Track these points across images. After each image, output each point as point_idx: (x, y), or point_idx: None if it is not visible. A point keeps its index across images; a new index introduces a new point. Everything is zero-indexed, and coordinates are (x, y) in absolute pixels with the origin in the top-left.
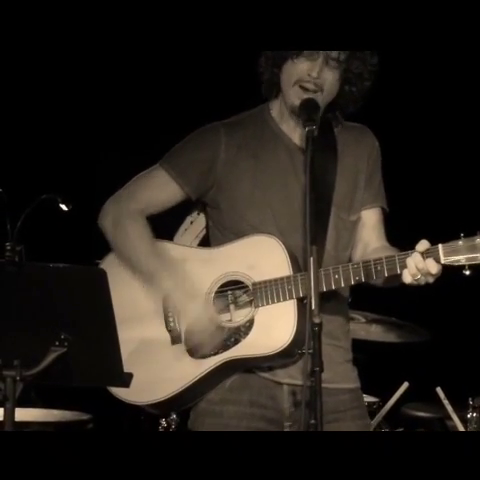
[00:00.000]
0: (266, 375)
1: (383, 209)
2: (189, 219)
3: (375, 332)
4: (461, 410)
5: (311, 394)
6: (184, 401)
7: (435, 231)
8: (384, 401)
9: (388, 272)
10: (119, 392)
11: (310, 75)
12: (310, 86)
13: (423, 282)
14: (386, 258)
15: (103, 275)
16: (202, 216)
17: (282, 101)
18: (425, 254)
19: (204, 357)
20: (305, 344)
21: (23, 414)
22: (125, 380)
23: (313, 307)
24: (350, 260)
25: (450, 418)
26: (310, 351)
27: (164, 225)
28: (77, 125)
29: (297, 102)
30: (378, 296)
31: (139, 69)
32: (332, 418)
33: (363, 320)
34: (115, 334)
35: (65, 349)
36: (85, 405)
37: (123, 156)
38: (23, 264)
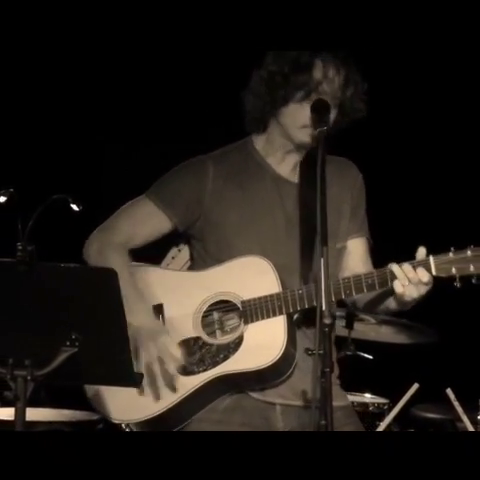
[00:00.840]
0: (258, 396)
1: (368, 240)
2: (171, 254)
3: (385, 333)
4: (471, 411)
5: (321, 394)
6: (173, 421)
7: (426, 245)
8: (394, 402)
9: (379, 285)
10: (104, 410)
11: None
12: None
13: (415, 293)
14: (377, 272)
15: (114, 275)
16: (184, 251)
17: (268, 135)
18: (416, 264)
19: (193, 374)
20: (295, 363)
21: (33, 414)
22: (136, 379)
23: (323, 308)
24: None
25: (460, 419)
26: (320, 351)
27: (150, 254)
28: (88, 126)
29: (308, 140)
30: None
31: (148, 70)
32: None
33: (373, 321)
34: (126, 333)
35: (76, 349)
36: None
37: (133, 157)
38: (34, 264)
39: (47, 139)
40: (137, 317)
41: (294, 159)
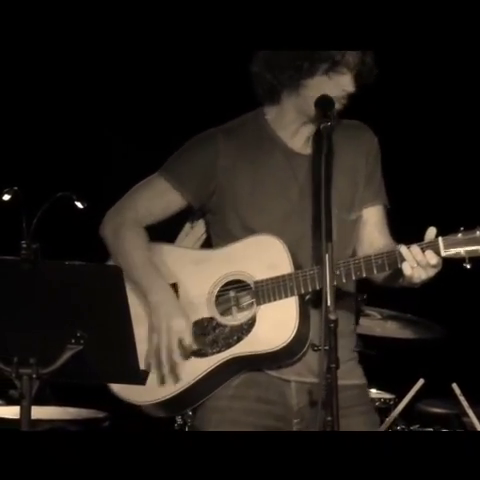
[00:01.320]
0: (274, 373)
1: (385, 206)
2: (189, 225)
3: (391, 329)
4: (477, 406)
5: (327, 390)
6: (188, 401)
7: (436, 224)
8: (400, 398)
9: (389, 267)
10: (121, 392)
11: (345, 90)
12: (345, 102)
13: (424, 275)
14: (387, 253)
15: (119, 273)
16: (202, 221)
17: (282, 107)
18: (424, 246)
19: (207, 355)
20: (309, 341)
21: (39, 412)
22: (141, 377)
23: (329, 303)
24: None
25: (466, 414)
26: (326, 348)
27: (165, 231)
28: (92, 123)
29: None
30: (393, 293)
31: (153, 65)
32: (340, 414)
33: (379, 317)
34: (131, 331)
35: (81, 347)
36: (101, 402)
37: (138, 154)
38: (39, 262)
39: (51, 136)
40: (156, 295)
41: (307, 132)
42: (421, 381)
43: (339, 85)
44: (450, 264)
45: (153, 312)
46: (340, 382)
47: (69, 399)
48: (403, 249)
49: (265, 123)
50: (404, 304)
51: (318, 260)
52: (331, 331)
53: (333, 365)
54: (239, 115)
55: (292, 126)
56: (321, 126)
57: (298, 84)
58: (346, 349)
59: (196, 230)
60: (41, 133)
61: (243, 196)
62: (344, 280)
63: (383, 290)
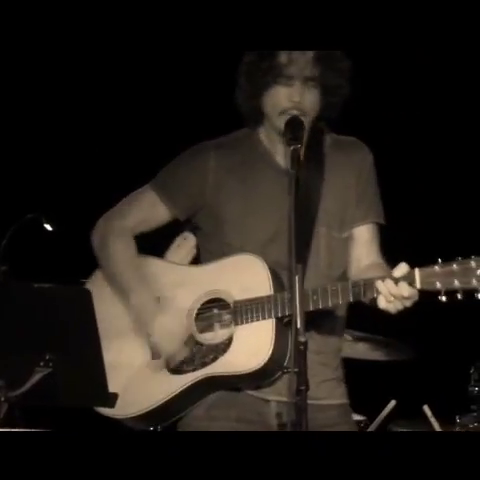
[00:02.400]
0: (253, 393)
1: (376, 224)
2: (182, 235)
3: (362, 350)
4: (448, 428)
5: (297, 412)
6: (165, 415)
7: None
8: (371, 419)
9: (365, 296)
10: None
11: (292, 101)
12: (296, 112)
13: (400, 306)
14: (364, 281)
15: (87, 295)
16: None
17: (269, 126)
18: (399, 279)
19: (182, 373)
20: (286, 363)
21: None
22: (110, 400)
23: (299, 326)
24: (344, 277)
25: None
26: (296, 370)
27: (156, 240)
28: (62, 145)
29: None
30: (364, 315)
31: (128, 82)
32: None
33: (350, 338)
34: (100, 354)
35: (50, 369)
36: (71, 425)
37: (108, 176)
38: (8, 284)
39: (21, 158)
40: (137, 299)
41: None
42: (392, 403)
43: (286, 96)
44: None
45: (136, 315)
46: (321, 402)
47: (39, 422)
48: (378, 283)
49: (258, 141)
50: (375, 326)
51: (308, 279)
52: (300, 353)
53: (302, 387)
54: (230, 128)
55: (278, 144)
56: (291, 148)
57: (262, 104)
58: (329, 368)
59: (188, 242)
60: (10, 155)
61: (231, 214)
62: (321, 306)
63: (354, 312)
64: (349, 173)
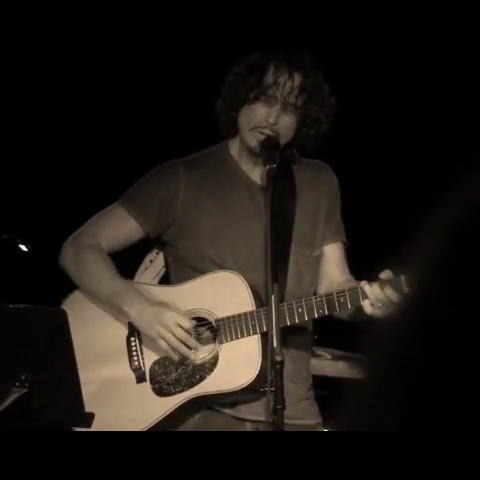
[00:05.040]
0: (229, 412)
1: (344, 244)
2: (149, 258)
3: (342, 369)
4: None
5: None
6: None
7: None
8: None
9: (351, 304)
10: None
11: (267, 121)
12: (267, 132)
13: (386, 312)
14: (349, 290)
15: (63, 315)
16: (161, 255)
17: (240, 141)
18: (386, 284)
19: (169, 394)
20: (267, 382)
21: None
22: (87, 420)
23: (275, 345)
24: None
25: None
26: (272, 389)
27: (124, 265)
28: (37, 165)
29: (255, 143)
30: (344, 333)
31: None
32: None
33: (329, 357)
34: (76, 374)
35: (26, 390)
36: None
37: (84, 195)
38: None
39: None
40: (131, 306)
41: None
42: None
43: (263, 114)
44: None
45: (135, 323)
46: (297, 422)
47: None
48: (365, 287)
49: (229, 156)
50: (354, 344)
51: (280, 297)
52: (277, 372)
53: (279, 406)
54: (198, 146)
55: (250, 158)
56: (266, 168)
57: (239, 113)
58: (303, 387)
59: (156, 264)
60: None
61: (203, 230)
62: (306, 318)
63: (333, 330)
64: (318, 193)
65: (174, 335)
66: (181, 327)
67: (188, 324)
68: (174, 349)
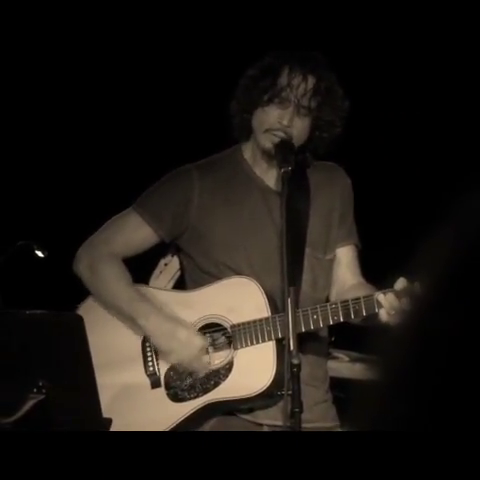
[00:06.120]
0: (246, 417)
1: (356, 246)
2: (163, 261)
3: (359, 371)
4: None
5: None
6: None
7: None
8: None
9: (366, 312)
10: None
11: (281, 123)
12: (280, 134)
13: (401, 319)
14: (364, 297)
15: (79, 321)
16: (176, 258)
17: (254, 143)
18: (400, 292)
19: (184, 400)
20: (284, 386)
21: None
22: (104, 426)
23: (292, 348)
24: (327, 299)
25: None
26: (289, 392)
27: (139, 269)
28: (52, 171)
29: (269, 145)
30: (361, 335)
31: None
32: None
33: (346, 359)
34: (93, 379)
35: (43, 396)
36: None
37: (99, 201)
38: None
39: (10, 185)
40: (146, 320)
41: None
42: None
43: (277, 116)
44: None
45: (150, 336)
46: (315, 424)
47: None
48: (380, 297)
49: (242, 160)
50: (371, 346)
51: (295, 301)
52: (294, 375)
53: (297, 409)
54: (213, 151)
55: (263, 162)
56: (281, 171)
57: (253, 115)
58: (320, 390)
59: (170, 268)
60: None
61: (217, 235)
62: (321, 325)
63: (350, 332)
64: (332, 196)
65: (186, 352)
66: (194, 345)
67: (201, 343)
68: (185, 366)
